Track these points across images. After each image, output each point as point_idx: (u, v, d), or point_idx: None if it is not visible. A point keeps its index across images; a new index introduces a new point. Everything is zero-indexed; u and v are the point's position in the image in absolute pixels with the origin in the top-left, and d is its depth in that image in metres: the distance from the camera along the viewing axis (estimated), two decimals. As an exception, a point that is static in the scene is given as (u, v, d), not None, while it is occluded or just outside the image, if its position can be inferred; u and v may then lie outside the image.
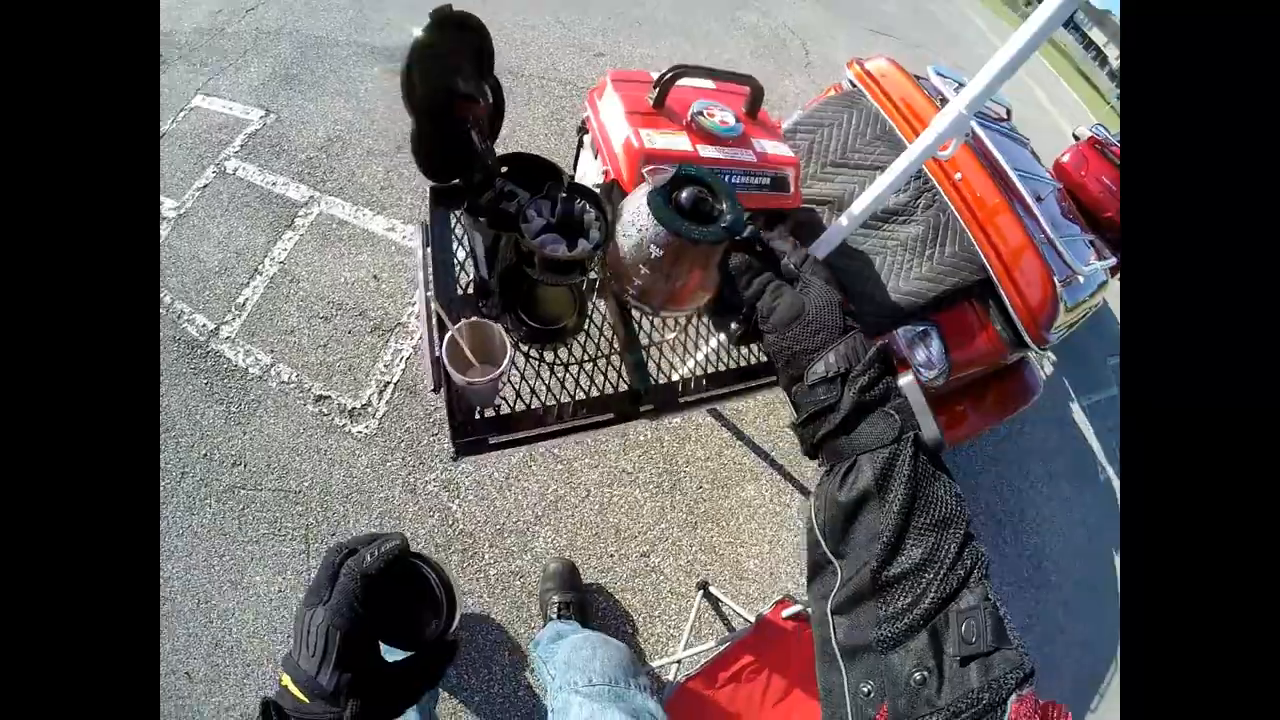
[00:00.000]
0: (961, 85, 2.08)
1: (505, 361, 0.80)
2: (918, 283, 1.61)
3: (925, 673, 0.41)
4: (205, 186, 2.28)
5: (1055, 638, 2.46)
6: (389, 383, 1.98)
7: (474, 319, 0.80)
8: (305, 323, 2.02)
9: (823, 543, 0.52)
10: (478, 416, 1.00)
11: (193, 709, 1.49)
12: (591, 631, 1.23)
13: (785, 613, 1.40)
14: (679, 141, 0.97)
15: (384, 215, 2.31)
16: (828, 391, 0.53)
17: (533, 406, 1.06)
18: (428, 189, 1.13)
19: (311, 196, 2.30)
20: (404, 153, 2.49)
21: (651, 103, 0.98)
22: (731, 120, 1.02)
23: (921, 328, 1.66)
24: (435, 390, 1.01)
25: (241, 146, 2.41)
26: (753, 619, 1.80)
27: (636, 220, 0.63)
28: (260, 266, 2.11)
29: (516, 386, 1.05)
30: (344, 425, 1.88)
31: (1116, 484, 3.37)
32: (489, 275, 0.87)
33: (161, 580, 1.61)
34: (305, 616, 0.48)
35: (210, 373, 1.90)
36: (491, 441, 1.00)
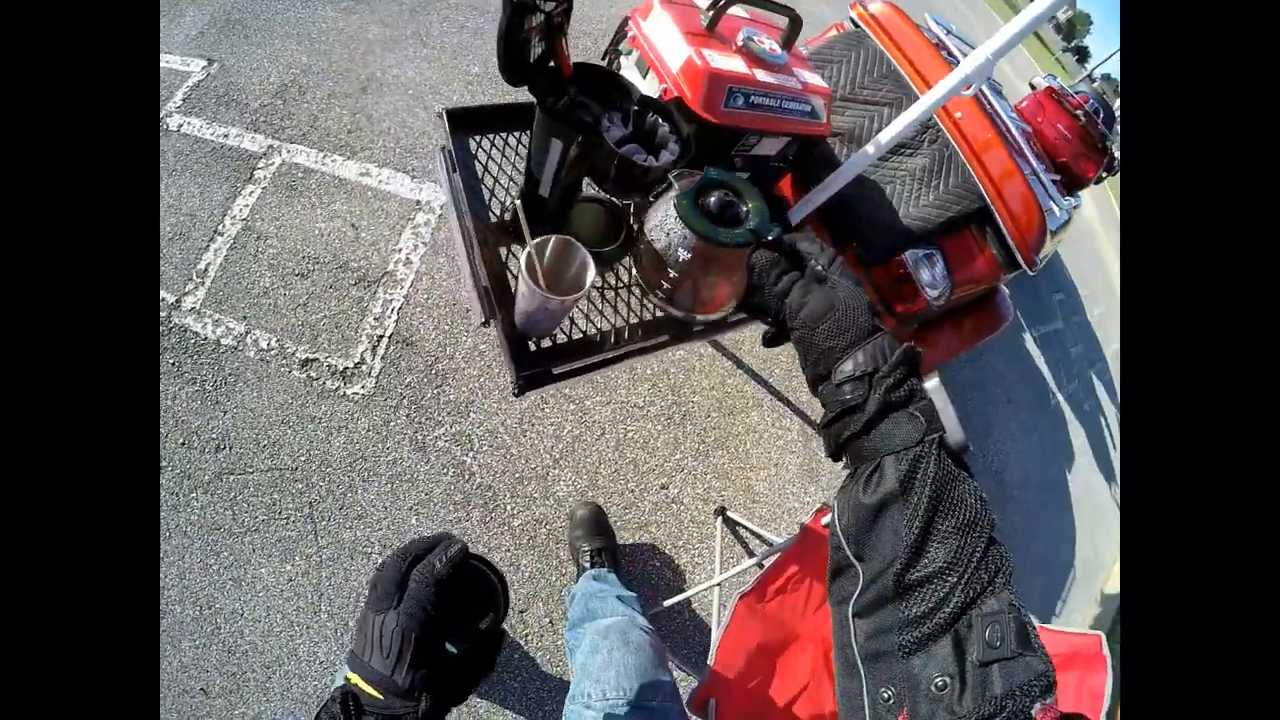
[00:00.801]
0: (951, 32, 2.29)
1: (588, 282, 0.76)
2: (925, 209, 1.74)
3: (947, 679, 0.40)
4: (144, 145, 2.04)
5: (1015, 549, 2.70)
6: (382, 336, 1.87)
7: (556, 235, 0.75)
8: (280, 282, 1.88)
9: (845, 546, 0.52)
10: (532, 348, 0.96)
11: (215, 727, 1.41)
12: (617, 619, 1.19)
13: (825, 520, 1.44)
14: (736, 64, 0.97)
15: (355, 160, 2.14)
16: (854, 390, 0.52)
17: (588, 333, 1.03)
18: (443, 113, 1.05)
19: (270, 146, 2.11)
20: (369, 93, 2.32)
21: (705, 25, 0.99)
22: (777, 48, 1.06)
23: (927, 251, 1.77)
24: (484, 323, 0.95)
25: (184, 101, 2.17)
26: (773, 538, 1.86)
27: (665, 224, 0.64)
28: (220, 227, 1.93)
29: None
30: (337, 388, 1.78)
31: (1067, 410, 3.69)
32: (551, 191, 0.81)
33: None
34: (376, 621, 0.51)
35: (176, 350, 1.74)
36: (556, 372, 0.96)
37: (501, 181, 1.08)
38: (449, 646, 0.55)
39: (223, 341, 1.78)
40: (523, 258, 0.73)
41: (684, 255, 0.62)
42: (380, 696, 0.49)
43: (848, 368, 0.53)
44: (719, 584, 1.61)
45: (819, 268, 0.59)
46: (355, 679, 0.51)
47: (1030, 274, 1.83)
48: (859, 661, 0.48)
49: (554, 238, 0.75)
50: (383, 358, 1.84)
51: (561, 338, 1.00)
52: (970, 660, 0.40)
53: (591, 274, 0.76)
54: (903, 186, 1.76)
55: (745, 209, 0.62)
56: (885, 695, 0.44)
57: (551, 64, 0.71)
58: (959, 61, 1.97)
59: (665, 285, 0.67)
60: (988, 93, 2.03)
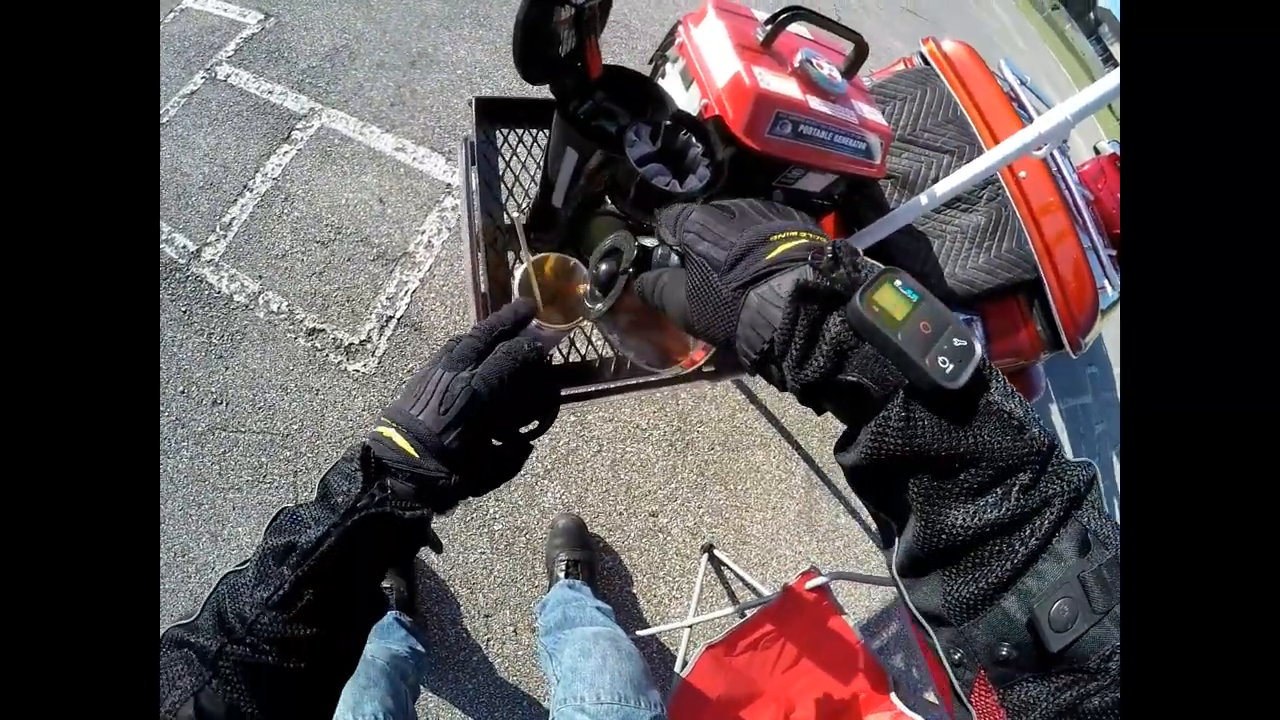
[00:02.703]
0: (1025, 83, 2.16)
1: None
2: (974, 272, 1.63)
3: (1012, 650, 0.34)
4: (192, 93, 2.03)
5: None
6: (391, 317, 1.83)
7: (556, 253, 0.69)
8: (299, 247, 1.85)
9: (865, 503, 0.44)
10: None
11: (172, 669, 1.40)
12: (602, 627, 1.17)
13: (809, 584, 1.37)
14: (789, 87, 0.88)
15: (393, 134, 2.11)
16: (769, 378, 0.43)
17: (588, 358, 0.97)
18: (473, 100, 1.00)
19: (312, 109, 2.08)
20: (418, 68, 2.29)
21: (760, 40, 0.90)
22: (838, 76, 0.96)
23: (966, 316, 1.66)
24: (479, 331, 0.90)
25: (236, 51, 2.15)
26: (758, 585, 1.79)
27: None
28: (250, 183, 1.91)
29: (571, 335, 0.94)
30: (339, 362, 1.74)
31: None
32: (565, 201, 0.75)
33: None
34: (445, 376, 0.46)
35: (190, 299, 1.72)
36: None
37: (523, 181, 1.02)
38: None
39: (235, 298, 1.75)
40: (517, 275, 0.67)
41: (618, 337, 0.60)
42: (415, 454, 0.44)
43: (745, 360, 0.43)
44: (690, 625, 1.54)
45: (675, 248, 0.47)
46: (389, 432, 0.45)
47: (1073, 357, 1.71)
48: (921, 620, 0.40)
49: (553, 256, 0.69)
50: (389, 339, 1.80)
51: (559, 359, 0.94)
52: (1040, 632, 0.33)
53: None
54: (952, 243, 1.65)
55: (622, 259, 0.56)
56: (956, 657, 0.37)
57: (579, 64, 0.65)
58: (1030, 116, 1.88)
59: (631, 355, 0.64)
60: (1055, 152, 1.92)
